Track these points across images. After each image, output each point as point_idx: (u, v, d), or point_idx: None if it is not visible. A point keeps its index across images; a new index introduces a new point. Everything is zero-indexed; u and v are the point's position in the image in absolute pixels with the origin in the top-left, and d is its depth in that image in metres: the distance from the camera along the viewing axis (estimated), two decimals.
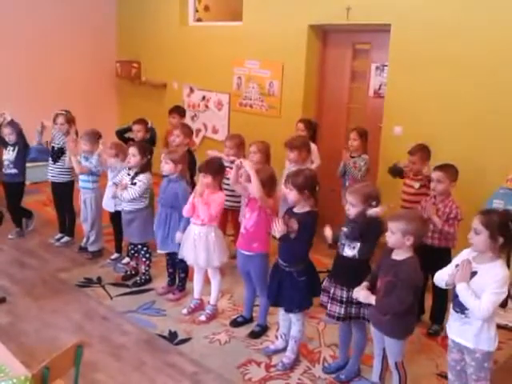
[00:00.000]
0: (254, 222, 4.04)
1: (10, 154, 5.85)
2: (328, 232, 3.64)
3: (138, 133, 5.91)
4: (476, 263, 2.97)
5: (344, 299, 3.52)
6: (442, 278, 3.17)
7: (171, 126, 6.37)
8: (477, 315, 2.90)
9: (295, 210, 3.74)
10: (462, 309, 3.00)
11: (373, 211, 3.42)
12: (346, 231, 3.46)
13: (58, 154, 5.75)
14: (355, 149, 5.58)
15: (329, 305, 3.60)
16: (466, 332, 3.01)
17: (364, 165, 5.52)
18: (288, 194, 3.70)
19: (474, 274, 2.94)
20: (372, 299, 3.25)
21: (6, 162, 5.88)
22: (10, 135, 5.79)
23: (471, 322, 2.98)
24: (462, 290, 2.92)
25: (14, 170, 5.88)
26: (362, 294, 3.30)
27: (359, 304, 3.48)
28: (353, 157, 5.59)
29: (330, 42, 6.88)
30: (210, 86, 8.03)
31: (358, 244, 3.45)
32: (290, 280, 3.75)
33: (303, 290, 3.75)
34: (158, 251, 4.90)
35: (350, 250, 3.50)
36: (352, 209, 3.47)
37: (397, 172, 5.01)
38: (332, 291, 3.58)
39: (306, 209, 3.71)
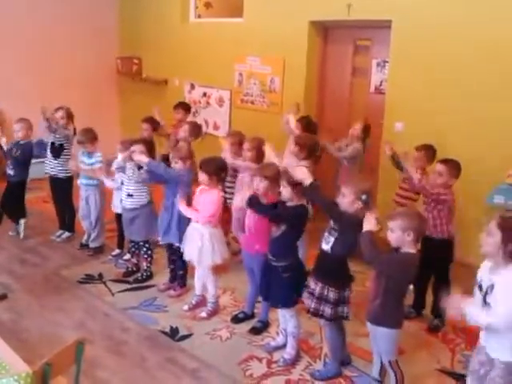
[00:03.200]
0: (254, 222, 4.05)
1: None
2: None
3: (144, 131, 5.88)
4: (493, 274, 2.82)
5: (316, 294, 3.54)
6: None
7: (176, 121, 6.37)
8: (499, 324, 2.72)
9: (287, 203, 3.76)
10: None
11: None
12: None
13: (58, 150, 5.76)
14: (352, 137, 5.54)
15: (313, 304, 3.59)
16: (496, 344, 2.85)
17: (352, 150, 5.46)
18: (282, 190, 3.74)
19: (492, 287, 2.79)
20: None
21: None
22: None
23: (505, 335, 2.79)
24: (469, 312, 2.81)
25: (12, 172, 5.87)
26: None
27: (332, 302, 3.49)
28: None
29: (331, 39, 6.88)
30: (211, 83, 8.03)
31: (332, 239, 3.46)
32: (275, 275, 3.79)
33: (287, 287, 3.76)
34: (161, 242, 4.91)
35: (325, 244, 3.53)
36: (343, 199, 3.45)
37: (396, 163, 4.93)
38: (312, 287, 3.61)
39: (298, 202, 3.74)
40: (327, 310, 3.52)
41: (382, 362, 3.51)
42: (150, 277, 5.15)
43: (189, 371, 3.79)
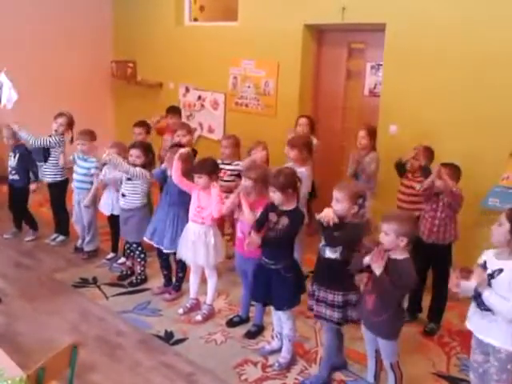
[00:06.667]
0: (248, 226, 4.03)
1: (11, 161, 5.89)
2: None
3: (138, 135, 5.84)
4: (501, 260, 2.95)
5: (329, 302, 3.51)
6: (467, 288, 3.08)
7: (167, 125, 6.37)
8: (507, 317, 2.87)
9: (283, 207, 3.73)
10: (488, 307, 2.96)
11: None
12: (327, 238, 3.46)
13: (44, 154, 5.75)
14: (363, 147, 5.41)
15: (315, 306, 3.60)
16: (493, 329, 2.95)
17: (372, 162, 5.33)
18: (272, 196, 3.71)
19: (500, 271, 2.90)
20: None
21: (9, 169, 5.92)
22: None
23: (498, 319, 2.92)
24: (488, 296, 2.90)
25: (16, 176, 5.90)
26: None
27: (344, 307, 3.48)
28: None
29: (326, 42, 6.88)
30: (205, 86, 8.02)
31: (341, 247, 3.43)
32: (277, 278, 3.74)
33: (291, 287, 3.76)
34: (165, 251, 4.74)
35: (331, 253, 3.47)
36: (338, 204, 3.42)
37: (402, 167, 4.89)
38: (317, 294, 3.58)
39: (293, 206, 3.72)
40: (337, 315, 3.50)
41: (376, 367, 3.52)
42: (144, 280, 5.14)
43: (183, 375, 3.77)
